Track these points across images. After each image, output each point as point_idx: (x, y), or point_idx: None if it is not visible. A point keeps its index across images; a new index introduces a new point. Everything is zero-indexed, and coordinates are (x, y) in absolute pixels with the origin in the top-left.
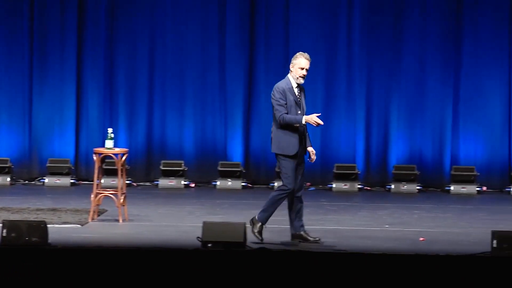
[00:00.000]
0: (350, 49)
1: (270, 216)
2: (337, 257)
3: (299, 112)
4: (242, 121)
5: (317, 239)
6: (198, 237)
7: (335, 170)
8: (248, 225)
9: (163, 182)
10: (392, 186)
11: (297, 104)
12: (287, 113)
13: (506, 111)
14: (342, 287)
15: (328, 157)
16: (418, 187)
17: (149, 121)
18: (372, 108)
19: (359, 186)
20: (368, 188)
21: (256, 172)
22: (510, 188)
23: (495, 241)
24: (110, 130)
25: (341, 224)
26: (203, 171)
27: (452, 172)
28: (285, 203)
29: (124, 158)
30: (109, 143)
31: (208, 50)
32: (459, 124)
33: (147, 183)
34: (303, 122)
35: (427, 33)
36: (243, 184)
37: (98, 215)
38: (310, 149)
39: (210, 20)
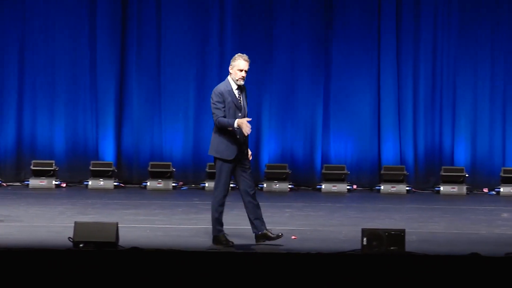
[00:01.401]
0: (222, 48)
1: (220, 222)
2: (208, 256)
3: (239, 114)
4: (113, 120)
5: (280, 234)
6: (69, 238)
7: (207, 169)
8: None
9: (33, 182)
10: (264, 185)
11: (237, 106)
12: (224, 116)
13: (375, 110)
14: (214, 286)
15: (201, 156)
16: (290, 186)
17: (19, 121)
18: None
19: (232, 185)
20: None
21: (129, 171)
22: (380, 186)
23: (365, 239)
24: None
25: None
26: (74, 171)
27: (323, 171)
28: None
29: None
30: None
31: (79, 49)
32: (329, 123)
33: (17, 183)
34: (235, 126)
35: (297, 33)
36: (115, 183)
37: None
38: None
39: (81, 19)
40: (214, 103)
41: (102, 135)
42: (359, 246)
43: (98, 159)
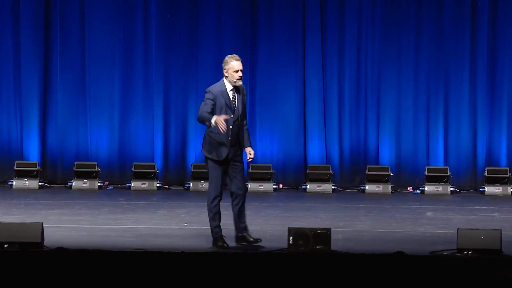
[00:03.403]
0: (147, 45)
1: (219, 225)
2: (134, 256)
3: (231, 116)
4: (38, 119)
5: (259, 239)
6: None
7: (134, 169)
8: None
9: None
10: (191, 185)
11: (229, 107)
12: (210, 112)
13: (301, 109)
14: (139, 285)
15: (127, 156)
16: None
17: None
18: (170, 106)
19: (158, 185)
20: (167, 186)
21: (53, 171)
22: (306, 185)
23: (291, 238)
24: None
25: (139, 223)
26: None
27: (250, 170)
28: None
29: None
30: None
31: (1, 48)
32: (255, 123)
33: None
34: (212, 121)
35: (222, 32)
36: (40, 183)
37: None
38: (247, 149)
39: (4, 18)
40: (204, 100)
41: (27, 135)
42: (285, 245)
43: (22, 159)
